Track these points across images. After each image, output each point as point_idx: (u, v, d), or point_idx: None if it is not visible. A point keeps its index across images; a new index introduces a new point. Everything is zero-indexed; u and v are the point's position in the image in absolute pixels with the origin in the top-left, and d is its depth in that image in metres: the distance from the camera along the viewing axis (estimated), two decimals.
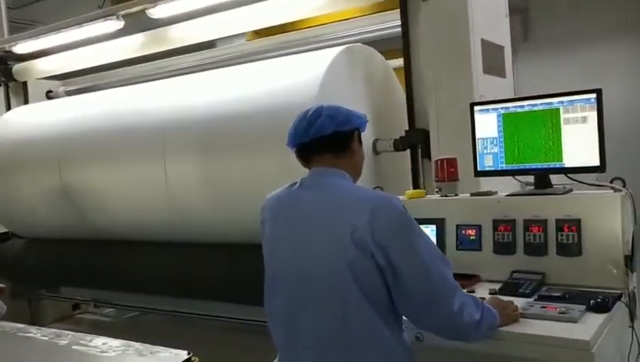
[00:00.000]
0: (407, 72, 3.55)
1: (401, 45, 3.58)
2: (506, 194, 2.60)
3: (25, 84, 5.73)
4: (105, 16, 4.47)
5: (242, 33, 4.87)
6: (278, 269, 1.90)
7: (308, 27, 4.39)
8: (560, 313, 1.97)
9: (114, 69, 5.36)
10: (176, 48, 4.64)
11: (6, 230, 5.31)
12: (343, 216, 1.75)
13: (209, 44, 4.80)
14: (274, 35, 4.38)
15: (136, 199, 3.99)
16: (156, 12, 4.21)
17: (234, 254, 3.69)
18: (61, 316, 5.59)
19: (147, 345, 2.83)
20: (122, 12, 4.38)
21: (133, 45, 4.78)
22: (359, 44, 3.64)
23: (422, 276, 1.74)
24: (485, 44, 3.43)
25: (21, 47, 5.22)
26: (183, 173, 3.67)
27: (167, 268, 4.05)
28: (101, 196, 4.19)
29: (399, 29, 3.60)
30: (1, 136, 4.97)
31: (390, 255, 1.71)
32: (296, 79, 3.35)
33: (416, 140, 3.50)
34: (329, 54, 3.38)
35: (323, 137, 1.85)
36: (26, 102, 5.73)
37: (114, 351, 2.87)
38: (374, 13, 3.98)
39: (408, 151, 3.58)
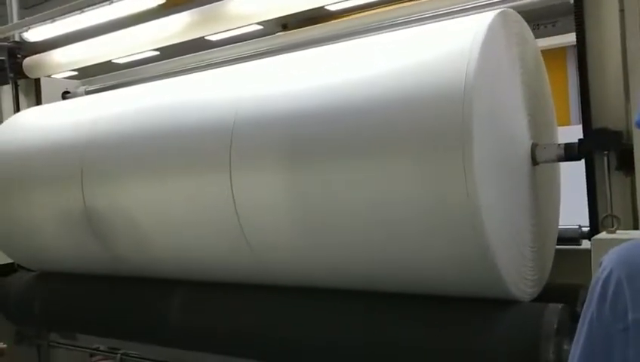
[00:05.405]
0: (581, 51, 2.53)
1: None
2: None
3: (38, 81, 4.76)
4: None
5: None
6: None
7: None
8: None
9: (148, 63, 4.37)
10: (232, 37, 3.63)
11: (10, 260, 4.34)
12: None
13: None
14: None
15: (188, 228, 2.91)
16: None
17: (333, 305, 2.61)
18: None
19: None
20: None
21: (175, 28, 3.75)
22: (512, 10, 2.55)
23: None
24: None
25: (34, 34, 4.27)
26: (260, 192, 2.57)
27: (225, 317, 3.00)
28: (137, 223, 3.11)
29: None
30: (4, 143, 3.95)
31: None
32: (438, 52, 2.28)
33: (601, 145, 2.42)
34: (482, 18, 2.31)
35: None
36: (38, 103, 4.76)
37: None
38: None
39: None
